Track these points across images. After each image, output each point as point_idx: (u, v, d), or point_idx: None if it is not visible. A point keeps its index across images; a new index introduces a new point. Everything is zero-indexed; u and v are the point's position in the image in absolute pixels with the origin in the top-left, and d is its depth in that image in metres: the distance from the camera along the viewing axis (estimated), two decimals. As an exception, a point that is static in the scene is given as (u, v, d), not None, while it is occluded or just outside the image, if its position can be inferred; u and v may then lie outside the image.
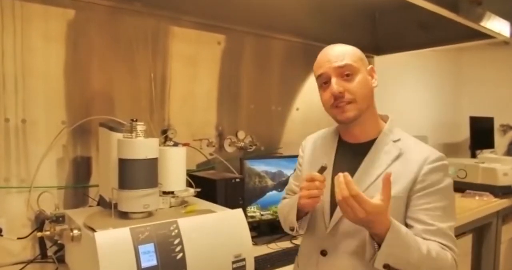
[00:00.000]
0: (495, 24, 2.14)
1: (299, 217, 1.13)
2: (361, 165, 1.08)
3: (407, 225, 1.02)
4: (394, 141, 1.09)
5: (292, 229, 1.15)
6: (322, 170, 1.05)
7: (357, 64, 1.06)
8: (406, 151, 1.07)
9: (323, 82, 1.09)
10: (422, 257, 0.93)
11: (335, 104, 1.06)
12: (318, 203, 1.06)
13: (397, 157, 1.06)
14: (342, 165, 1.12)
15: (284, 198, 1.31)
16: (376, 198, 0.92)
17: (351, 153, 1.12)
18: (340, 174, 0.93)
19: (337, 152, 1.16)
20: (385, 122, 1.14)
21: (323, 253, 1.10)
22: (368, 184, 1.06)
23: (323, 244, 1.10)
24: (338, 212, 1.06)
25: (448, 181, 1.05)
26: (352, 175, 1.02)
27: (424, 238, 0.99)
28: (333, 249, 1.08)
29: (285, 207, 1.21)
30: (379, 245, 0.93)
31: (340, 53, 1.07)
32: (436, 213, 1.01)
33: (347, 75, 1.05)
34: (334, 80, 1.05)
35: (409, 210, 1.03)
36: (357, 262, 1.04)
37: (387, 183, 0.91)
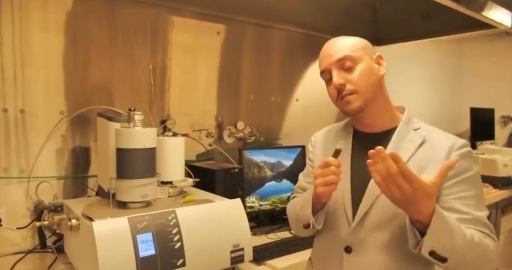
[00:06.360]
0: (496, 14, 2.12)
1: (315, 212, 1.07)
2: None
3: None
4: (415, 129, 1.07)
5: (307, 226, 1.08)
6: (336, 153, 0.99)
7: (357, 54, 1.05)
8: (429, 138, 1.04)
9: (328, 78, 1.08)
10: (466, 243, 0.89)
11: (339, 97, 1.05)
12: (335, 190, 1.01)
13: (421, 144, 1.04)
14: (361, 154, 1.07)
15: (294, 197, 1.26)
16: (426, 179, 0.87)
17: (369, 142, 1.05)
18: (381, 147, 0.85)
19: (353, 141, 1.13)
20: (402, 113, 1.12)
21: (348, 249, 1.04)
22: None
23: (347, 240, 1.05)
24: (364, 206, 1.03)
25: (477, 169, 1.02)
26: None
27: None
28: (360, 245, 1.03)
29: (296, 204, 1.16)
30: (420, 232, 0.89)
31: (338, 46, 1.06)
32: (471, 201, 0.98)
33: (348, 66, 1.04)
34: (335, 73, 1.05)
35: (441, 199, 0.99)
36: (387, 256, 1.00)
37: (446, 170, 0.87)
